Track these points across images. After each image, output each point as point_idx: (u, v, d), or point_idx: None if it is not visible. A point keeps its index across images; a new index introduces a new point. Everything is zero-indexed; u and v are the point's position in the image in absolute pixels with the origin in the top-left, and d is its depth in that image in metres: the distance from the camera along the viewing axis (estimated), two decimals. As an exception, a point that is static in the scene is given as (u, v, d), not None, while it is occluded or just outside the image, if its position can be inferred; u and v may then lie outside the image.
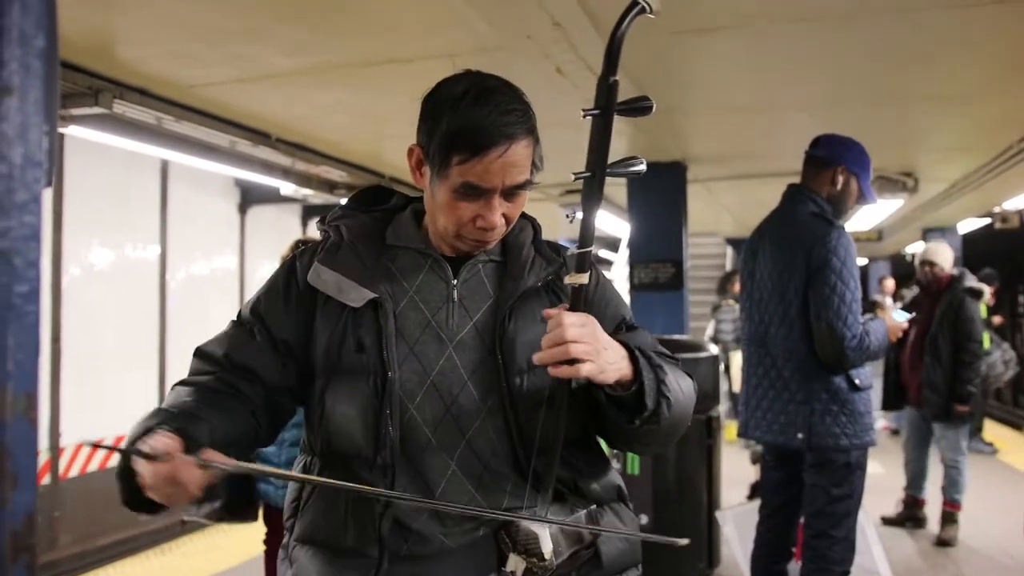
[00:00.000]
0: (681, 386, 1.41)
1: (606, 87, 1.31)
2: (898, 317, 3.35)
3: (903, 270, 13.38)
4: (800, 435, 2.98)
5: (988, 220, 9.05)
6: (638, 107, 1.31)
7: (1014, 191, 7.19)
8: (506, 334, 1.40)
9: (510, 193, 1.37)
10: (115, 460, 1.26)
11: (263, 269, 8.37)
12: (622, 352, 1.33)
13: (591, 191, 1.33)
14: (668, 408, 1.35)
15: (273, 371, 1.43)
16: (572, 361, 1.25)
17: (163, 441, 1.18)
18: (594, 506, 1.45)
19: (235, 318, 1.51)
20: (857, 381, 2.98)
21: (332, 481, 1.34)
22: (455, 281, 1.45)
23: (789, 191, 3.21)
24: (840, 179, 3.07)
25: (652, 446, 1.48)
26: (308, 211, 8.99)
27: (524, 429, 1.39)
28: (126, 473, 1.22)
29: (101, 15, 3.15)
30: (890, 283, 10.98)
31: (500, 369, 1.39)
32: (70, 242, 6.01)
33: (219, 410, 1.36)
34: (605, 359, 1.28)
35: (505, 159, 1.31)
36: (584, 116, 1.32)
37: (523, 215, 1.50)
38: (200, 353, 1.47)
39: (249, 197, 8.20)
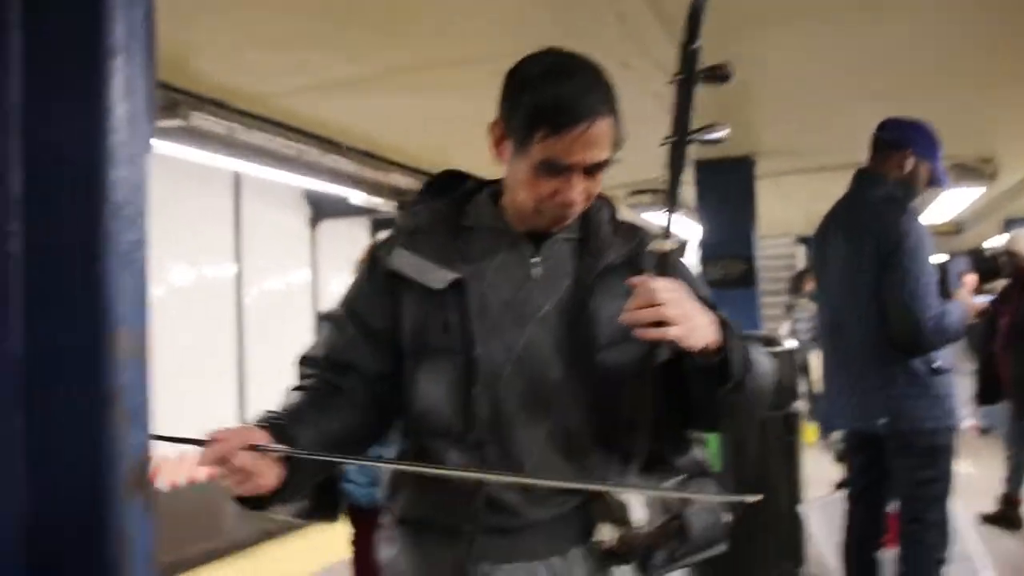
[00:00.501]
0: (763, 360, 1.42)
1: (688, 54, 1.33)
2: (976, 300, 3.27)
3: (984, 265, 12.89)
4: (881, 420, 2.93)
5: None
6: (718, 75, 1.35)
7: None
8: (588, 309, 1.42)
9: (590, 170, 1.37)
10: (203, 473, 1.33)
11: (335, 283, 8.48)
12: (709, 319, 1.32)
13: (675, 157, 1.36)
14: (752, 379, 1.36)
15: (370, 362, 1.47)
16: (659, 326, 1.25)
17: (219, 431, 1.25)
18: (681, 477, 1.45)
19: (328, 318, 1.56)
20: (935, 364, 2.92)
21: (411, 465, 1.40)
22: (535, 259, 1.46)
23: (858, 176, 3.18)
24: (909, 162, 3.02)
25: (735, 419, 1.48)
26: (377, 225, 9.07)
27: (609, 403, 1.40)
28: None
29: (176, 29, 3.24)
30: (972, 278, 10.63)
31: (583, 345, 1.40)
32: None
33: (320, 410, 1.41)
34: (692, 324, 1.28)
35: (587, 137, 1.32)
36: (669, 83, 1.35)
37: (599, 195, 1.50)
38: (303, 359, 1.53)
39: (319, 212, 8.30)
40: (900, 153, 3.03)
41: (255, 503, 1.31)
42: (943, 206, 7.57)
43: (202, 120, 3.84)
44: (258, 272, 7.53)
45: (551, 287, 1.44)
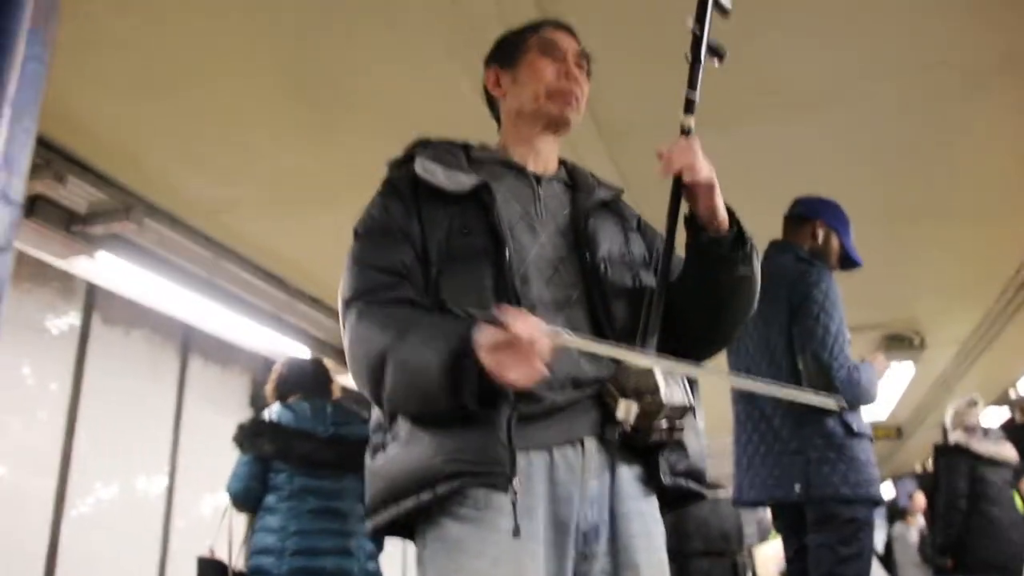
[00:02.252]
0: None
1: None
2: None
3: (931, 483, 12.79)
4: (797, 486, 2.78)
5: (1007, 412, 8.84)
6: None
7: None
8: (588, 228, 1.59)
9: (580, 63, 1.66)
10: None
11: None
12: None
13: (695, 50, 1.54)
14: (758, 257, 1.54)
15: (420, 275, 1.51)
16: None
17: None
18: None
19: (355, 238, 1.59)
20: (854, 426, 2.81)
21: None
22: (538, 186, 1.64)
23: (770, 247, 3.13)
24: (820, 233, 3.07)
25: (739, 305, 1.57)
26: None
27: (611, 316, 1.53)
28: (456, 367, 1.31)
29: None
30: (921, 498, 10.54)
31: (583, 259, 1.55)
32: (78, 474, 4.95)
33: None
34: (715, 178, 1.47)
35: (567, 36, 1.70)
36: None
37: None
38: (377, 278, 1.51)
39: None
40: (810, 223, 3.09)
41: (491, 397, 1.33)
42: (880, 396, 7.66)
43: (155, 225, 3.87)
44: (193, 486, 6.18)
45: (553, 210, 1.62)
